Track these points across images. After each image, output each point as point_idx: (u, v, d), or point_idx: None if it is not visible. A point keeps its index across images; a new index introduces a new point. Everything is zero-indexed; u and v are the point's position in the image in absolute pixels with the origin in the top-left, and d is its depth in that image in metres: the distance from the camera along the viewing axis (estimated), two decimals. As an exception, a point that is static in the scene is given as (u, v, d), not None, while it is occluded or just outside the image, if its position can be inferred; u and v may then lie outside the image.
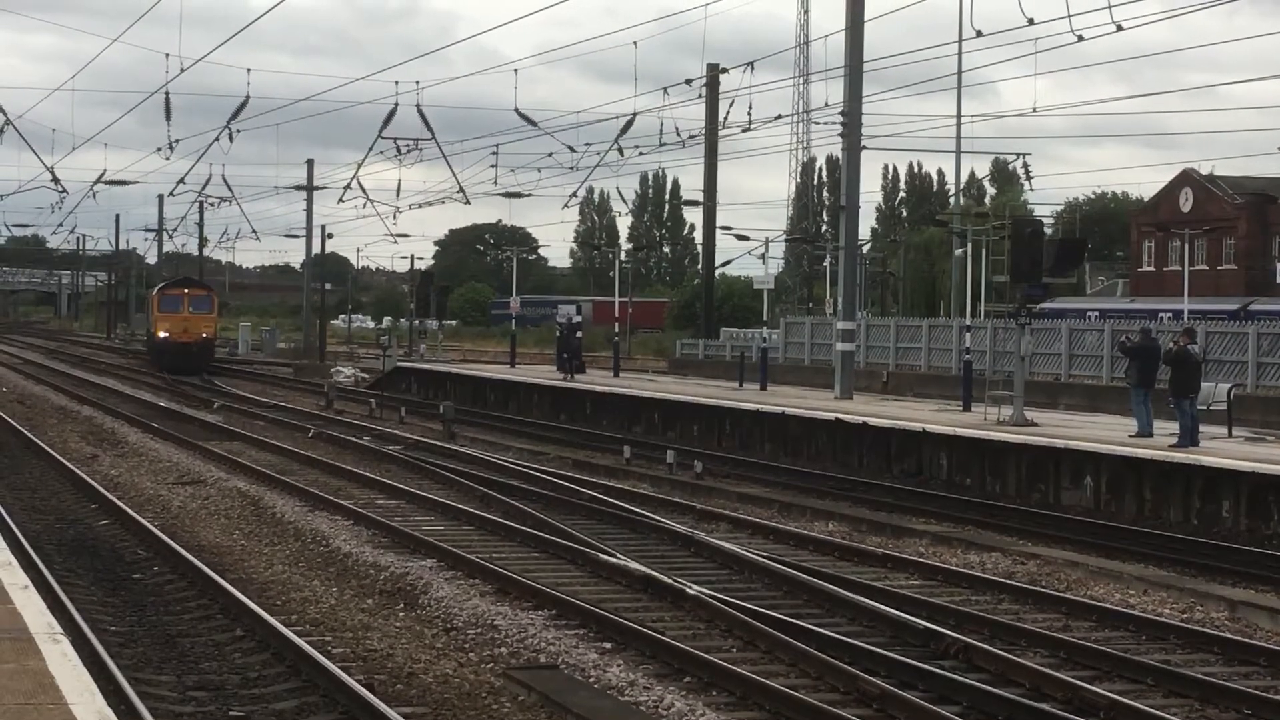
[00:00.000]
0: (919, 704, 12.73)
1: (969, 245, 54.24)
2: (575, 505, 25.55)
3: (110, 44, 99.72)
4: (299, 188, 79.57)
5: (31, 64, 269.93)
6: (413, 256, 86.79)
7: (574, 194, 57.53)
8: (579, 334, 50.10)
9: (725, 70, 53.18)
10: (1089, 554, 21.56)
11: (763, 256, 51.35)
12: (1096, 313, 65.29)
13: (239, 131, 49.26)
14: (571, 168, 48.92)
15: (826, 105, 42.42)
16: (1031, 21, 28.73)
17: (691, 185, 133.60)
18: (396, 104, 46.76)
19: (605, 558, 19.65)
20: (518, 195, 58.70)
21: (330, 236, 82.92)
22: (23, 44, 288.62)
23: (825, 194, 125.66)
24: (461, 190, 53.62)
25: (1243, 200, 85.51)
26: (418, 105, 46.89)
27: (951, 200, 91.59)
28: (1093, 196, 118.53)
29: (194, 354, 66.20)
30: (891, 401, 40.30)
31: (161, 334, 67.26)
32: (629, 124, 44.77)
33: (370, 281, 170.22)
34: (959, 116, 53.63)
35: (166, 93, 44.71)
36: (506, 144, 51.55)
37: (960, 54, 49.06)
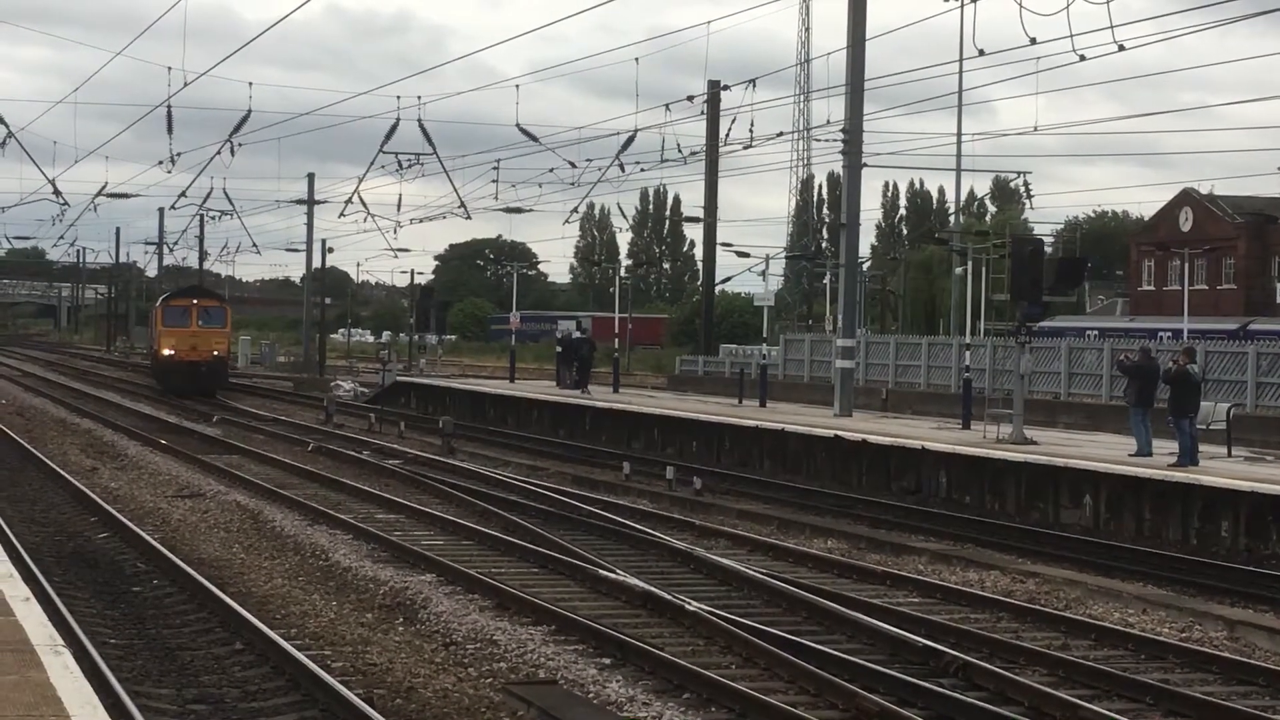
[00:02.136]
0: (918, 721, 12.73)
1: (969, 263, 54.31)
2: (574, 521, 25.56)
3: (113, 58, 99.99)
4: (300, 202, 79.63)
5: (24, 76, 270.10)
6: (413, 271, 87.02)
7: (575, 209, 57.65)
8: (583, 332, 50.05)
9: (727, 87, 53.24)
10: (1088, 573, 21.57)
11: (763, 273, 51.40)
12: (1096, 332, 65.33)
13: (240, 145, 49.33)
14: (572, 183, 49.01)
15: (828, 123, 42.46)
16: (1034, 41, 28.75)
17: (692, 201, 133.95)
18: (398, 119, 46.81)
19: (604, 573, 19.66)
20: (518, 210, 58.79)
21: (331, 251, 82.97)
22: (14, 56, 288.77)
23: (825, 211, 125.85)
24: (462, 205, 53.71)
25: (1242, 220, 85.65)
26: (419, 120, 46.95)
27: (951, 218, 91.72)
28: (1092, 215, 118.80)
29: (203, 375, 58.08)
30: (891, 419, 40.31)
31: (166, 352, 58.66)
32: (630, 140, 44.86)
33: (370, 296, 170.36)
34: (959, 135, 53.76)
35: (169, 107, 44.79)
36: (507, 159, 51.58)
37: (961, 73, 49.20)
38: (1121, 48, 27.86)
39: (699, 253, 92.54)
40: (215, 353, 59.16)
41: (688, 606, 17.33)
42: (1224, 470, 25.81)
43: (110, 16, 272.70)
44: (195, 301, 60.52)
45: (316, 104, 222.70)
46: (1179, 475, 25.14)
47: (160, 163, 50.80)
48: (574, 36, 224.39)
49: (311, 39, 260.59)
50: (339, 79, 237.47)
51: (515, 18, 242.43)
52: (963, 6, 48.47)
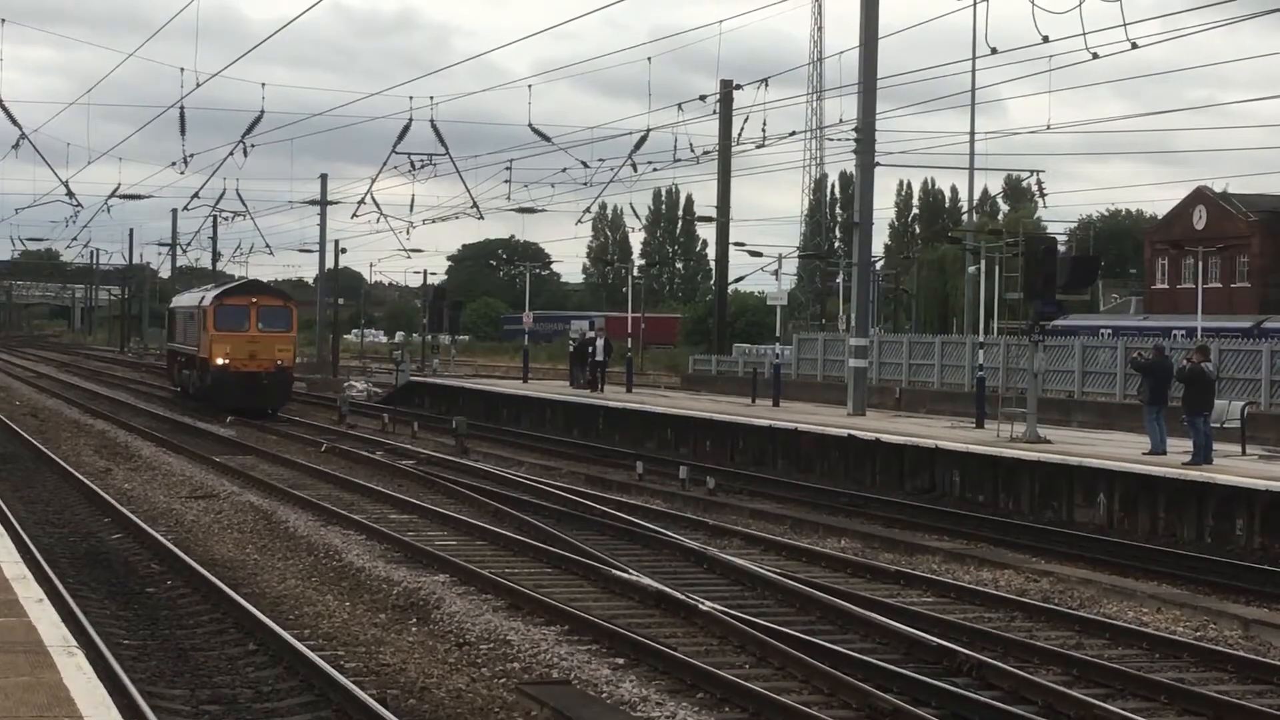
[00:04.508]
0: (932, 721, 12.71)
1: (982, 262, 54.20)
2: (588, 521, 25.55)
3: (125, 59, 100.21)
4: (312, 202, 79.66)
5: (30, 76, 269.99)
6: (425, 271, 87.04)
7: (587, 209, 57.61)
8: (597, 338, 50.26)
9: (740, 86, 53.24)
10: (1102, 571, 21.53)
11: (776, 273, 51.36)
12: (1110, 330, 65.24)
13: (253, 146, 49.32)
14: (585, 183, 48.97)
15: (841, 121, 42.47)
16: (1046, 39, 28.66)
17: (705, 201, 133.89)
18: (411, 119, 46.78)
19: (618, 573, 19.65)
20: (531, 210, 58.74)
21: (344, 251, 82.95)
22: (20, 56, 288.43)
23: (838, 210, 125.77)
24: (475, 205, 53.70)
25: (1257, 218, 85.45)
26: (431, 120, 46.93)
27: (965, 217, 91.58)
28: (1106, 214, 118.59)
29: (265, 390, 48.77)
30: (904, 418, 40.27)
31: (219, 361, 48.46)
32: (643, 139, 44.83)
33: (383, 296, 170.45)
34: (972, 133, 53.64)
35: (181, 108, 44.83)
36: (519, 159, 51.52)
37: (974, 71, 49.11)
38: (1134, 45, 27.77)
39: (712, 252, 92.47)
40: (279, 362, 49.30)
41: (701, 606, 17.32)
42: (1238, 468, 25.75)
43: (115, 16, 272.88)
44: (255, 300, 50.11)
45: (327, 104, 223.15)
46: (1193, 474, 25.09)
47: (173, 164, 50.88)
48: (581, 34, 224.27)
49: (316, 37, 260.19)
50: (344, 78, 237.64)
51: (520, 15, 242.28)
52: (975, 5, 48.36)
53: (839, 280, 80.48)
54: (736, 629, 16.26)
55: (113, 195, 64.56)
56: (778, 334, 53.36)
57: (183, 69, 43.32)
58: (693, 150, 44.93)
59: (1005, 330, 50.66)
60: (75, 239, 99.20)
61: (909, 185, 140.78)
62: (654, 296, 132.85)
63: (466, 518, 25.67)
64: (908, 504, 28.87)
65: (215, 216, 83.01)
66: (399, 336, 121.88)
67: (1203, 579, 21.09)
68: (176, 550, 21.31)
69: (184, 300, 59.41)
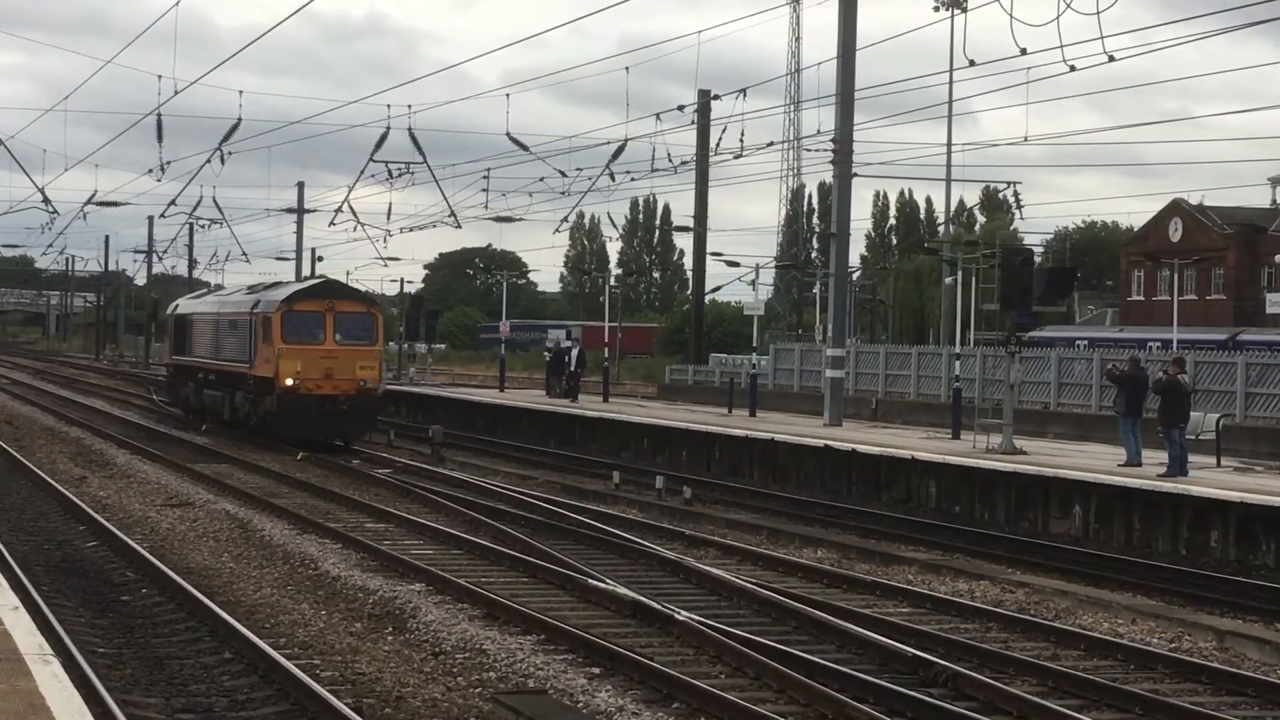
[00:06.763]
0: (908, 731, 12.73)
1: (959, 273, 54.33)
2: (564, 530, 25.54)
3: (103, 66, 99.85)
4: (289, 210, 79.55)
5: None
6: (402, 280, 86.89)
7: (565, 219, 57.65)
8: (572, 348, 50.19)
9: (718, 96, 53.35)
10: (1077, 583, 21.58)
11: (753, 283, 51.46)
12: (1085, 341, 65.40)
13: (230, 154, 49.23)
14: (563, 192, 48.95)
15: (818, 132, 42.55)
16: (1024, 51, 28.73)
17: (682, 211, 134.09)
18: (389, 128, 46.79)
19: (594, 583, 19.65)
20: (508, 219, 58.70)
21: (320, 259, 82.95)
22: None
23: (815, 220, 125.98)
24: (453, 214, 53.63)
25: (1232, 231, 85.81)
26: (409, 129, 46.89)
27: (941, 228, 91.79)
28: (1082, 225, 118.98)
29: (344, 417, 40.43)
30: (880, 429, 40.33)
31: (288, 382, 39.84)
32: (620, 149, 44.86)
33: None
34: (949, 144, 53.89)
35: (159, 115, 44.76)
36: (497, 168, 51.54)
37: (951, 83, 49.32)
38: (1112, 58, 27.81)
39: (689, 262, 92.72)
40: (362, 382, 40.57)
41: (677, 616, 17.32)
42: (1213, 480, 25.83)
43: (81, 23, 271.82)
44: (332, 304, 41.10)
45: (302, 112, 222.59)
46: (1168, 485, 25.16)
47: (149, 171, 50.78)
48: (550, 43, 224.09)
49: (285, 44, 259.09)
50: (314, 84, 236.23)
51: (487, 21, 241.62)
52: (953, 17, 48.63)
53: (816, 290, 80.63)
54: (713, 639, 16.27)
55: (89, 202, 64.39)
56: (754, 344, 53.37)
57: (160, 76, 43.28)
58: (670, 160, 44.94)
59: (981, 341, 50.79)
60: (50, 246, 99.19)
61: (885, 196, 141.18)
62: (631, 306, 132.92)
63: (442, 526, 25.64)
64: (884, 514, 28.92)
65: (192, 224, 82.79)
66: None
67: (1178, 590, 21.16)
68: (152, 558, 21.25)
69: (210, 304, 50.21)
